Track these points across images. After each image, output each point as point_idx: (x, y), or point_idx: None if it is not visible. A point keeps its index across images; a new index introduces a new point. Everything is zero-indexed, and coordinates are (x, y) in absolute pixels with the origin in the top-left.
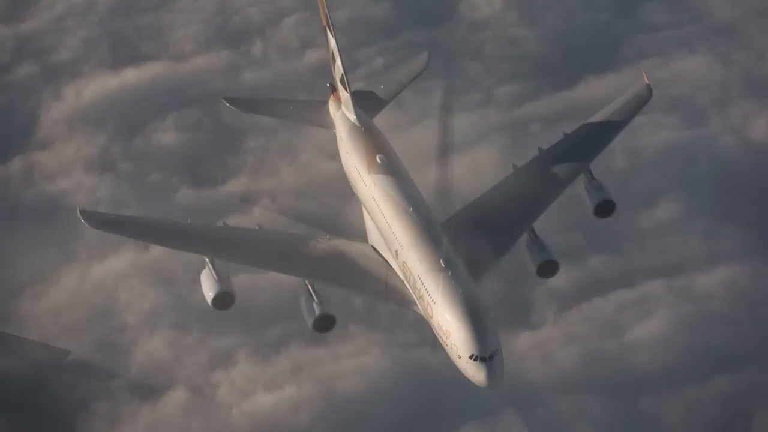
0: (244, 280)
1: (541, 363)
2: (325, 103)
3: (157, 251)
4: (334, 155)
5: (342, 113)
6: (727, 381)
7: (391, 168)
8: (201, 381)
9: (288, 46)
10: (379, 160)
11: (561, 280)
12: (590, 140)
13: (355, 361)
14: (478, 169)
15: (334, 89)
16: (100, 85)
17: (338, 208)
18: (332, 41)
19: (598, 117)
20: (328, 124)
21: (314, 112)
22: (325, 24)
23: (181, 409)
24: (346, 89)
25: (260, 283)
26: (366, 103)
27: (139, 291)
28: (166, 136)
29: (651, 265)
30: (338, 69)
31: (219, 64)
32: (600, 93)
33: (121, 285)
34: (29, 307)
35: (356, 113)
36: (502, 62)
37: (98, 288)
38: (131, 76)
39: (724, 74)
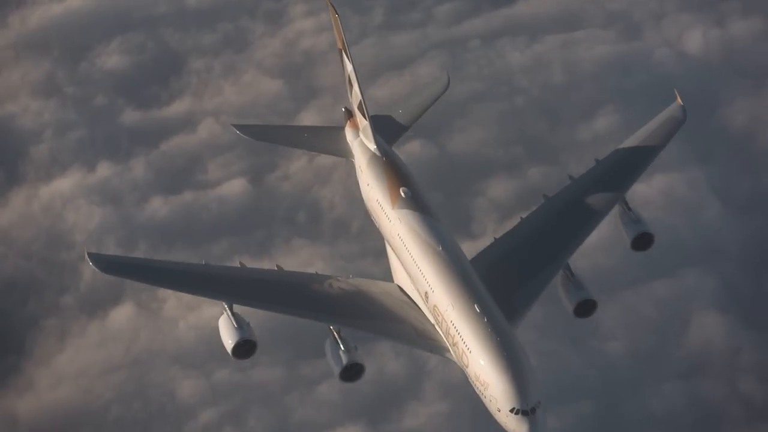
0: (189, 198)
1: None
2: (342, 129)
3: (103, 171)
4: (275, 74)
5: (360, 141)
6: (665, 285)
7: (417, 202)
8: (148, 297)
9: None
10: (403, 194)
11: (501, 190)
12: (624, 168)
13: None
14: (417, 84)
15: (350, 114)
16: (45, 12)
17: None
18: (349, 66)
19: (630, 142)
20: (345, 153)
21: (330, 140)
22: (340, 47)
23: (128, 323)
24: (364, 116)
25: (205, 201)
26: (384, 129)
27: (86, 210)
28: (111, 59)
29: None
30: (356, 95)
31: None
32: (538, 10)
33: (68, 205)
34: None
35: (376, 142)
36: None
37: (46, 208)
38: (75, 1)
39: None
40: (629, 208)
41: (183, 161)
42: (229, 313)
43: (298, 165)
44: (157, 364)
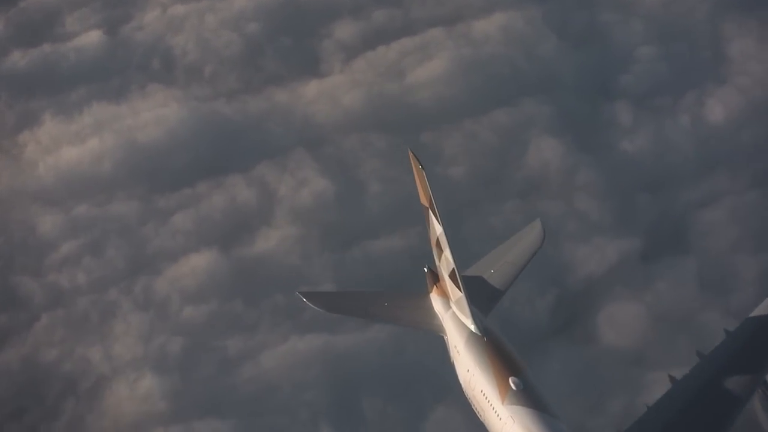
0: (47, 50)
1: (329, 107)
2: (426, 295)
3: None
4: None
5: (453, 314)
6: (505, 113)
7: (531, 396)
8: (9, 143)
9: None
10: (514, 386)
11: (347, 32)
12: (760, 341)
13: (154, 113)
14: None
15: (435, 278)
16: None
17: None
18: (438, 227)
19: (762, 310)
20: (434, 326)
21: (415, 310)
22: (427, 206)
23: None
24: (458, 287)
25: (63, 51)
26: (475, 295)
27: None
28: None
29: (431, 15)
30: (446, 260)
31: None
32: None
33: None
34: None
35: (473, 317)
36: None
37: None
38: None
39: None
40: None
41: (41, 16)
42: None
43: (152, 15)
44: (18, 203)
